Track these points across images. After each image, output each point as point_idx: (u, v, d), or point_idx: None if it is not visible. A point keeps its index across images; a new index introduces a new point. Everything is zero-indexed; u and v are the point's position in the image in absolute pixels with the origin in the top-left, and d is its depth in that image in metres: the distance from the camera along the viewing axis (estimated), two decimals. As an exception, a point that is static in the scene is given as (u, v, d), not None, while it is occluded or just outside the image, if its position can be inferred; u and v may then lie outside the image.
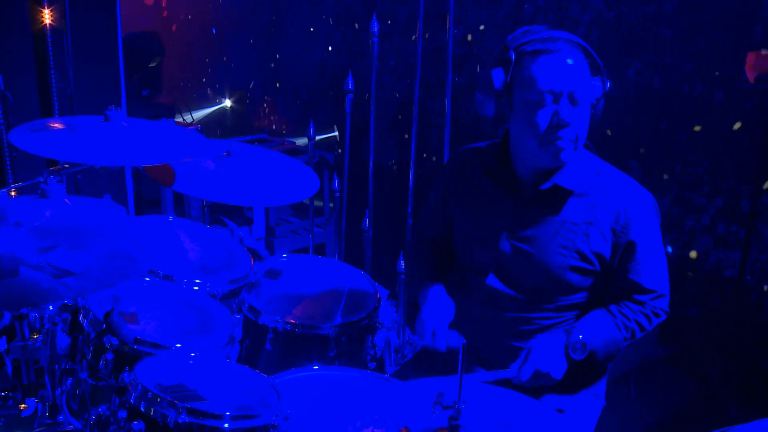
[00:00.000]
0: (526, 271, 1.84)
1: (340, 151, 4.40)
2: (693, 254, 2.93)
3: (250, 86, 5.64)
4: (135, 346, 1.69)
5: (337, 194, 3.25)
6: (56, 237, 1.57)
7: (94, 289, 1.52)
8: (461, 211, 1.97)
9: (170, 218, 2.51)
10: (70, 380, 1.77)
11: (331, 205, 4.33)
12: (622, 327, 1.81)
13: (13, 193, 1.96)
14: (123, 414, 1.51)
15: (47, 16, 3.15)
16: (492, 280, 1.87)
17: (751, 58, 2.59)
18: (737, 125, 2.70)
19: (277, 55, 5.23)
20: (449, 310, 1.85)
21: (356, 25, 4.46)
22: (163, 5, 6.42)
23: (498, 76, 1.75)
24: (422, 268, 2.04)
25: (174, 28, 6.35)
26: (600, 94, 1.77)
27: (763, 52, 2.55)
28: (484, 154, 1.94)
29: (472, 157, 1.99)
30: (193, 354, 1.73)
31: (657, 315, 1.85)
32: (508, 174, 1.87)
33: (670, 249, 2.98)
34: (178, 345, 1.76)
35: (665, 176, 2.95)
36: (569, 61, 1.70)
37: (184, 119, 5.64)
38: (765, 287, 2.74)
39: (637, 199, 1.81)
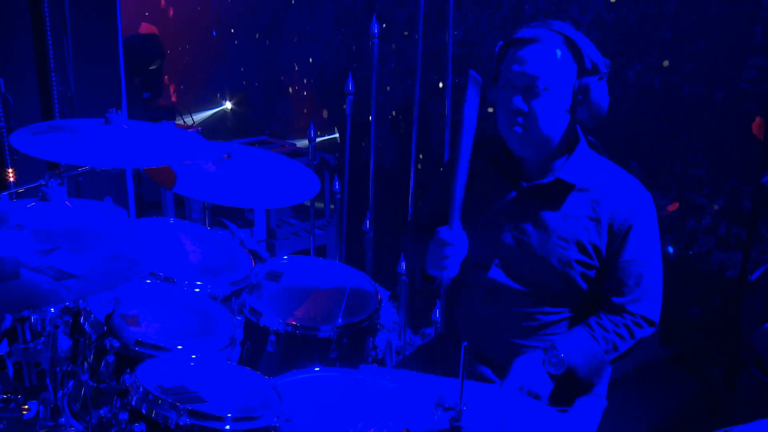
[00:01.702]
0: (527, 264, 1.85)
1: (338, 155, 4.40)
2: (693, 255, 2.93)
3: (251, 88, 5.64)
4: (136, 348, 1.70)
5: (338, 196, 3.26)
6: (57, 239, 1.57)
7: (95, 291, 1.52)
8: (467, 203, 1.96)
9: (171, 220, 2.52)
10: (71, 382, 1.77)
11: (332, 206, 4.33)
12: (601, 340, 1.81)
13: (10, 172, 1.95)
14: (124, 416, 1.51)
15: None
16: (494, 273, 1.88)
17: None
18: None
19: (277, 57, 5.23)
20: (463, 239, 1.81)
21: (356, 27, 4.47)
22: (163, 7, 6.43)
23: (490, 66, 1.84)
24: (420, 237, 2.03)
25: (174, 30, 6.35)
26: (585, 89, 1.76)
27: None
28: (491, 146, 1.96)
29: (479, 148, 2.00)
30: (194, 356, 1.73)
31: (639, 326, 1.83)
32: (512, 165, 1.89)
33: (671, 250, 2.98)
34: (180, 347, 1.76)
35: (666, 177, 2.95)
36: (543, 54, 1.75)
37: (184, 121, 5.65)
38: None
39: (639, 198, 1.83)
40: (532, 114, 1.76)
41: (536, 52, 1.75)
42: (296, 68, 5.07)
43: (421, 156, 3.80)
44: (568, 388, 1.83)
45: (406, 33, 4.00)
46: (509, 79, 1.78)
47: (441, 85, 3.74)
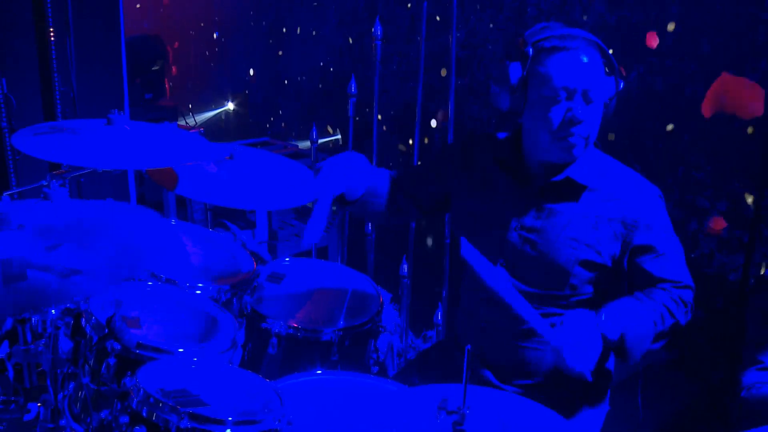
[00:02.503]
0: (534, 264, 1.83)
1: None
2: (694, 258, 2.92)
3: (253, 89, 5.64)
4: (137, 351, 1.69)
5: (340, 198, 3.24)
6: (60, 237, 1.57)
7: (104, 287, 1.52)
8: (467, 201, 1.96)
9: (173, 221, 2.51)
10: (72, 384, 1.77)
11: (334, 208, 4.32)
12: (650, 310, 1.75)
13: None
14: (125, 419, 1.50)
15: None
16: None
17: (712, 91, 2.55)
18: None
19: (280, 58, 5.23)
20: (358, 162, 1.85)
21: (359, 29, 4.47)
22: (166, 9, 6.43)
23: (515, 71, 1.76)
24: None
25: (176, 31, 6.35)
26: (613, 93, 1.79)
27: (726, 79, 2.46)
28: (496, 144, 1.95)
29: (484, 144, 1.99)
30: (195, 358, 1.72)
31: (685, 304, 1.80)
32: (519, 165, 1.88)
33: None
34: (181, 349, 1.75)
35: (668, 180, 2.95)
36: (585, 59, 1.72)
37: (186, 122, 5.64)
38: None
39: (647, 194, 1.82)
40: (587, 123, 1.75)
41: (582, 61, 1.72)
42: (299, 69, 5.07)
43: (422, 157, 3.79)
44: (577, 395, 1.82)
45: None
46: (555, 89, 1.72)
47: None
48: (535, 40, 1.75)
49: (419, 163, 2.12)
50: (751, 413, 1.84)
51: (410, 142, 3.43)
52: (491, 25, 3.58)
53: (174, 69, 6.27)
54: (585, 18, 3.15)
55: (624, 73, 1.80)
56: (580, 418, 1.89)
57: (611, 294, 1.86)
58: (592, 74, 1.73)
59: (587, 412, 1.91)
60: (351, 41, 4.53)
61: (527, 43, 1.75)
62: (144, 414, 1.49)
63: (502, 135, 1.98)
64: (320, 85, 4.88)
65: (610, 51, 1.79)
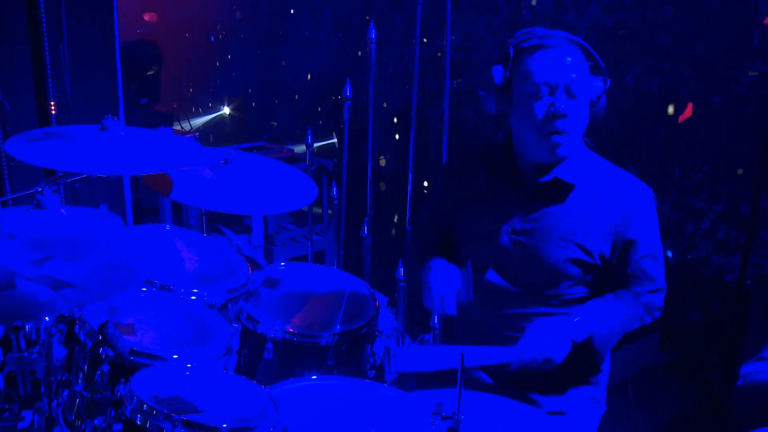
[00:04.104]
0: (525, 265, 1.84)
1: (336, 160, 4.40)
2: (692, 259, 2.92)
3: (249, 93, 5.64)
4: (131, 358, 1.68)
5: (336, 201, 3.24)
6: (51, 248, 1.56)
7: (92, 300, 1.50)
8: (462, 208, 1.97)
9: (167, 227, 2.50)
10: (66, 392, 1.76)
11: (330, 212, 4.32)
12: (622, 315, 1.82)
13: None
14: (118, 427, 1.49)
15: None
16: (491, 276, 1.87)
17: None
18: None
19: (276, 63, 5.23)
20: (455, 276, 1.83)
21: (354, 33, 4.47)
22: (162, 13, 6.42)
23: (498, 73, 1.80)
24: (421, 252, 2.04)
25: (172, 35, 6.35)
26: (600, 93, 1.80)
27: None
28: (487, 152, 1.97)
29: (475, 154, 2.01)
30: (189, 365, 1.71)
31: (657, 309, 1.86)
32: (511, 169, 1.89)
33: (670, 254, 2.97)
34: (175, 356, 1.74)
35: (665, 182, 2.95)
36: (565, 55, 1.75)
37: (182, 127, 5.64)
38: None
39: (637, 194, 1.83)
40: (571, 117, 1.75)
41: (563, 57, 1.74)
42: (294, 73, 5.07)
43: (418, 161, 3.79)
44: (574, 372, 1.83)
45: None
46: (536, 85, 1.74)
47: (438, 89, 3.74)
48: (516, 43, 1.78)
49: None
50: (746, 402, 1.84)
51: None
52: (487, 29, 3.58)
53: (169, 73, 6.26)
54: (580, 21, 3.15)
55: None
56: (576, 418, 1.88)
57: (602, 292, 1.87)
58: (573, 69, 1.74)
59: (583, 411, 1.90)
60: (347, 45, 4.53)
61: (509, 46, 1.79)
62: (138, 422, 1.48)
63: (488, 144, 1.99)
64: (316, 89, 4.88)
65: (608, 53, 1.79)
